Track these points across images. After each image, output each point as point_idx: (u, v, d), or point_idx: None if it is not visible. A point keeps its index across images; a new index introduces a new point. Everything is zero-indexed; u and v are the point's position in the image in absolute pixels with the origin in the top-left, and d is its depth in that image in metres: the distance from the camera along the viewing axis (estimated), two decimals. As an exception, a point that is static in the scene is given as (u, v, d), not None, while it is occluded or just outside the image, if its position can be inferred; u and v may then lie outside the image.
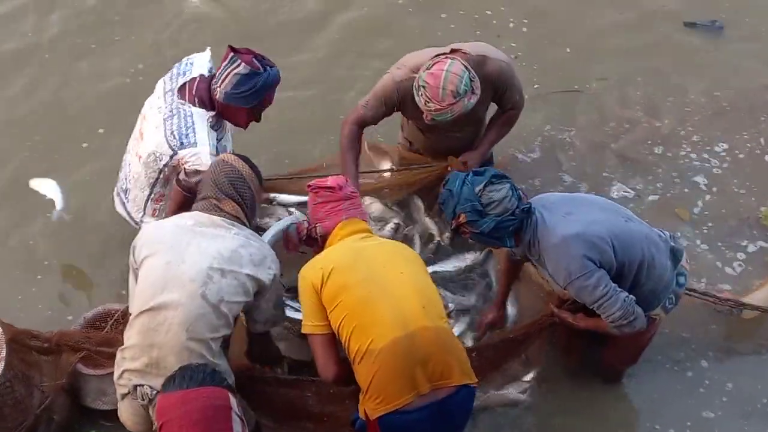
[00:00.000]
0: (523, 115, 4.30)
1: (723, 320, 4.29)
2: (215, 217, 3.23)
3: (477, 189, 3.27)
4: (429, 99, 3.71)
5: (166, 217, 3.74)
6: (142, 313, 3.15)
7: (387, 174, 4.41)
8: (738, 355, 4.29)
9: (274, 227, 3.87)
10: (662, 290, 3.52)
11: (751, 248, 4.69)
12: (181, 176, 3.75)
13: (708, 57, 5.72)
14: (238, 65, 3.64)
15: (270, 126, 4.42)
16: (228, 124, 3.92)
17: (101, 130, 5.22)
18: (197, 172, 3.67)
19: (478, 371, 3.31)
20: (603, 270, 3.30)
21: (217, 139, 3.76)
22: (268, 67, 3.70)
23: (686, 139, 5.26)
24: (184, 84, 3.81)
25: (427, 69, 3.74)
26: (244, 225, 3.31)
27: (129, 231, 4.04)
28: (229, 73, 3.65)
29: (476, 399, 3.39)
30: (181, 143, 3.72)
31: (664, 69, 5.66)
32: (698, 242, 4.72)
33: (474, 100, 3.75)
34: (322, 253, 3.34)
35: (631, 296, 3.34)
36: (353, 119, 4.06)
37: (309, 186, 3.45)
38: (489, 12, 5.98)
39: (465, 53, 3.86)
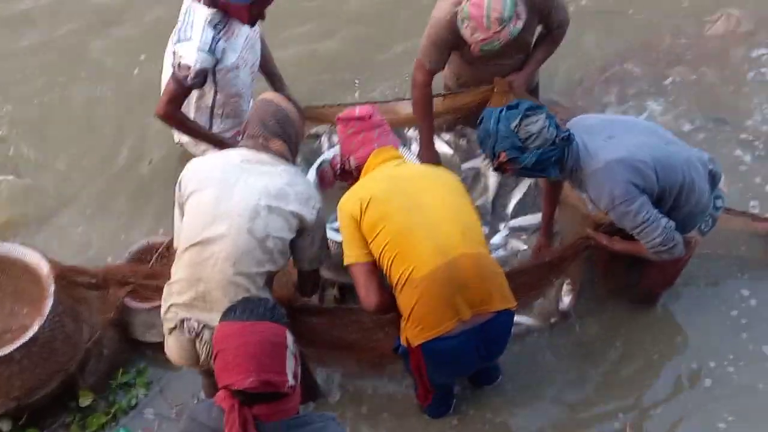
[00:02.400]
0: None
1: (763, 241, 4.25)
2: (262, 155, 3.23)
3: (513, 125, 3.22)
4: (475, 29, 3.65)
5: (173, 115, 3.85)
6: (190, 247, 3.18)
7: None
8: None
9: (311, 171, 3.88)
10: (699, 213, 3.52)
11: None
12: (175, 68, 3.78)
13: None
14: None
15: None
16: (242, 30, 3.89)
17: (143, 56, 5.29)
18: (183, 65, 3.72)
19: (517, 294, 3.34)
20: (645, 195, 3.28)
21: (215, 39, 3.74)
22: None
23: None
24: None
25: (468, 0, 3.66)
26: (290, 162, 3.32)
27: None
28: None
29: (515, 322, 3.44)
30: (179, 38, 3.77)
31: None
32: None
33: (520, 24, 3.68)
34: (359, 182, 3.33)
35: (671, 222, 3.34)
36: (422, 80, 4.04)
37: (338, 118, 3.42)
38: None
39: None
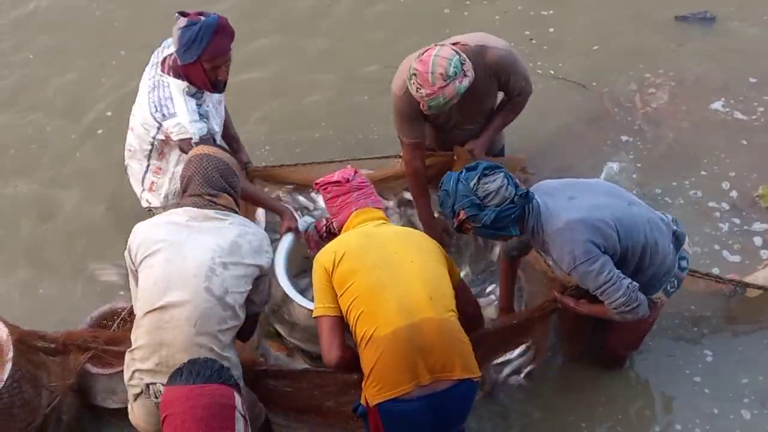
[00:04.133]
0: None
1: (726, 301, 4.29)
2: (207, 211, 3.23)
3: (472, 183, 3.25)
4: (420, 85, 3.70)
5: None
6: (148, 313, 3.16)
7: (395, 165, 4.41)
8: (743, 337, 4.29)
9: (286, 238, 3.91)
10: (664, 274, 3.52)
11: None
12: (181, 147, 3.81)
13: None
14: (178, 20, 3.70)
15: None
16: (214, 96, 3.93)
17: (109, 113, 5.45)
18: (184, 140, 3.76)
19: (482, 357, 3.33)
20: (607, 255, 3.29)
21: (199, 106, 3.79)
22: (206, 17, 3.71)
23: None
24: (166, 57, 3.87)
25: (418, 57, 3.74)
26: (237, 213, 3.32)
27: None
28: (174, 34, 3.71)
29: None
30: (163, 114, 3.79)
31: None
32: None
33: (466, 82, 3.72)
34: (338, 238, 3.36)
35: (634, 283, 3.34)
36: (408, 157, 4.11)
37: (317, 184, 3.47)
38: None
39: (464, 44, 3.86)
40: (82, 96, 5.77)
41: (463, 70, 3.70)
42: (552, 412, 4.02)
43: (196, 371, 2.59)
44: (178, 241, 3.17)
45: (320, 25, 6.16)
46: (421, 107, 3.81)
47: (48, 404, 3.80)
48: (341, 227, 3.40)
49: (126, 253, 3.28)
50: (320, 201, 4.29)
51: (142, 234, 3.26)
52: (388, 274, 3.15)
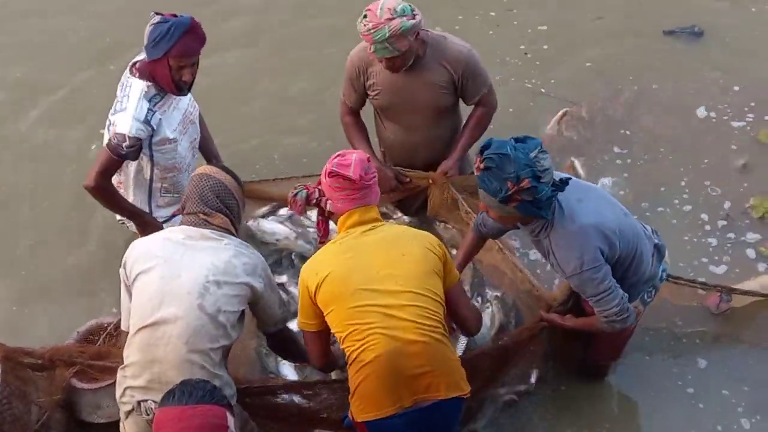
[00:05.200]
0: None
1: (713, 318, 4.34)
2: (204, 230, 3.23)
3: (532, 155, 3.09)
4: (368, 21, 3.76)
5: (103, 187, 3.83)
6: (140, 329, 3.15)
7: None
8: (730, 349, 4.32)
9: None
10: (643, 284, 3.53)
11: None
12: (111, 137, 3.78)
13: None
14: (152, 18, 3.71)
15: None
16: (180, 105, 3.93)
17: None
18: (118, 134, 3.73)
19: (475, 381, 3.32)
20: (608, 264, 3.29)
21: (150, 111, 3.76)
22: (179, 16, 3.72)
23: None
24: (138, 60, 3.86)
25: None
26: (233, 235, 3.31)
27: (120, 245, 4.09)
28: (146, 30, 3.71)
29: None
30: (115, 110, 3.79)
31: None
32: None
33: (412, 22, 3.75)
34: (322, 251, 3.25)
35: (625, 294, 3.35)
36: (341, 113, 4.31)
37: (329, 173, 3.22)
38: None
39: (425, 30, 3.92)
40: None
41: (412, 13, 3.78)
42: (545, 423, 4.05)
43: (188, 392, 2.57)
44: (173, 259, 3.16)
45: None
46: (368, 52, 3.86)
47: (37, 420, 3.77)
48: (335, 214, 3.29)
49: (121, 269, 3.27)
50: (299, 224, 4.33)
51: (138, 250, 3.25)
52: (372, 297, 3.08)
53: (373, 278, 3.11)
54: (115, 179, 3.97)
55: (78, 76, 5.98)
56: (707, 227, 4.81)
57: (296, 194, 3.48)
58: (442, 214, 4.32)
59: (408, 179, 4.28)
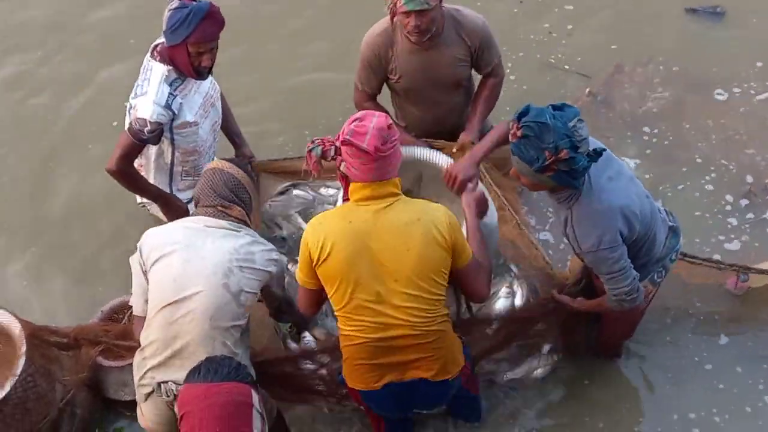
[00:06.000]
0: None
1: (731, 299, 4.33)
2: (222, 221, 3.31)
3: (570, 124, 3.02)
4: None
5: (125, 171, 3.83)
6: (162, 308, 3.19)
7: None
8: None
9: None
10: (653, 264, 3.53)
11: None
12: (132, 121, 3.78)
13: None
14: (170, 3, 3.69)
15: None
16: (201, 88, 3.92)
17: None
18: (140, 119, 3.72)
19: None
20: (624, 245, 3.28)
21: (171, 95, 3.76)
22: (197, 1, 3.70)
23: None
24: (159, 44, 3.85)
25: None
26: (249, 226, 3.40)
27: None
28: (165, 15, 3.69)
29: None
30: (136, 94, 3.79)
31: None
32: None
33: None
34: (333, 215, 3.15)
35: (637, 274, 3.35)
36: (358, 100, 4.21)
37: (342, 141, 3.03)
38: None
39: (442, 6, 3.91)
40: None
41: None
42: (569, 416, 4.07)
43: (213, 369, 2.60)
44: (195, 244, 3.23)
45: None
46: (398, 7, 3.77)
47: (62, 398, 3.84)
48: (348, 179, 3.10)
49: (135, 255, 3.32)
50: (325, 192, 4.30)
51: (155, 237, 3.30)
52: (369, 288, 3.05)
53: (374, 275, 3.04)
54: (135, 162, 3.97)
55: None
56: (728, 207, 4.78)
57: (311, 150, 3.15)
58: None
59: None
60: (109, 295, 4.31)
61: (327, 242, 3.04)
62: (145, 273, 3.28)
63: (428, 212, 3.08)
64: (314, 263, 3.09)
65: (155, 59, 3.81)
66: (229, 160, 3.47)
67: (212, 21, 3.69)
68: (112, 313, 4.13)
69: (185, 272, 3.18)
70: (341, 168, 3.08)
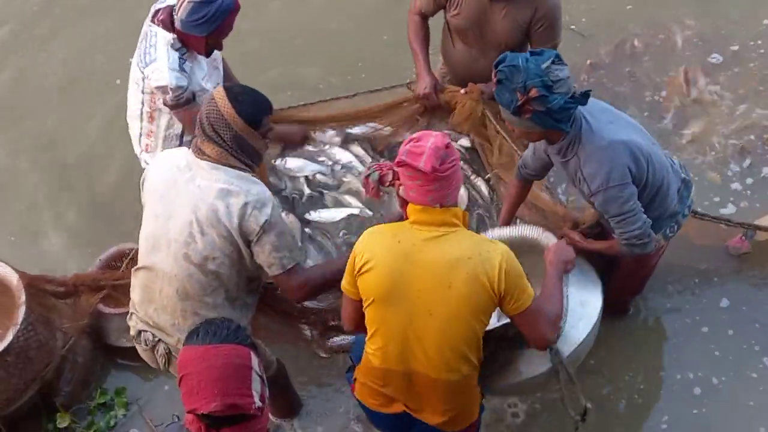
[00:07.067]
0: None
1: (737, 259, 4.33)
2: (201, 161, 3.07)
3: (544, 66, 3.04)
4: None
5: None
6: (140, 269, 3.18)
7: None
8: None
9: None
10: (666, 218, 3.50)
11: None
12: (164, 97, 3.72)
13: None
14: None
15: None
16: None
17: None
18: (161, 87, 3.66)
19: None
20: (634, 186, 3.24)
21: (181, 59, 3.69)
22: None
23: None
24: (160, 9, 3.74)
25: None
26: (232, 167, 3.06)
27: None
28: (184, 1, 3.57)
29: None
30: (146, 63, 3.70)
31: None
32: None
33: None
34: (385, 233, 2.99)
35: (648, 219, 3.31)
36: (412, 10, 4.18)
37: (398, 162, 2.91)
38: None
39: None
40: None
41: None
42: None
43: (212, 331, 2.57)
44: (168, 196, 3.07)
45: None
46: None
47: (63, 346, 3.88)
48: (406, 200, 2.98)
49: (141, 184, 3.23)
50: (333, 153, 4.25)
51: (150, 174, 3.20)
52: (400, 313, 2.91)
53: (410, 301, 2.91)
54: (146, 127, 3.92)
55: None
56: (733, 165, 4.77)
57: (369, 175, 3.11)
58: (464, 126, 4.19)
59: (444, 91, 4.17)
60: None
61: (372, 254, 2.91)
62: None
63: (483, 252, 2.85)
64: (356, 271, 2.95)
65: (158, 25, 3.69)
66: (230, 89, 3.13)
67: (235, 14, 3.63)
68: (109, 261, 4.14)
69: (153, 234, 3.10)
70: (400, 192, 2.97)
